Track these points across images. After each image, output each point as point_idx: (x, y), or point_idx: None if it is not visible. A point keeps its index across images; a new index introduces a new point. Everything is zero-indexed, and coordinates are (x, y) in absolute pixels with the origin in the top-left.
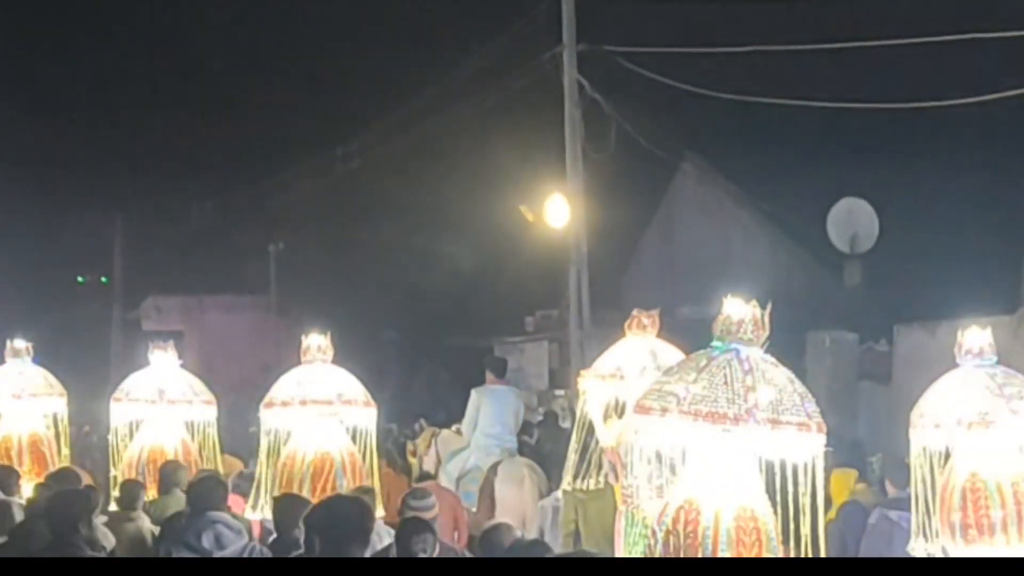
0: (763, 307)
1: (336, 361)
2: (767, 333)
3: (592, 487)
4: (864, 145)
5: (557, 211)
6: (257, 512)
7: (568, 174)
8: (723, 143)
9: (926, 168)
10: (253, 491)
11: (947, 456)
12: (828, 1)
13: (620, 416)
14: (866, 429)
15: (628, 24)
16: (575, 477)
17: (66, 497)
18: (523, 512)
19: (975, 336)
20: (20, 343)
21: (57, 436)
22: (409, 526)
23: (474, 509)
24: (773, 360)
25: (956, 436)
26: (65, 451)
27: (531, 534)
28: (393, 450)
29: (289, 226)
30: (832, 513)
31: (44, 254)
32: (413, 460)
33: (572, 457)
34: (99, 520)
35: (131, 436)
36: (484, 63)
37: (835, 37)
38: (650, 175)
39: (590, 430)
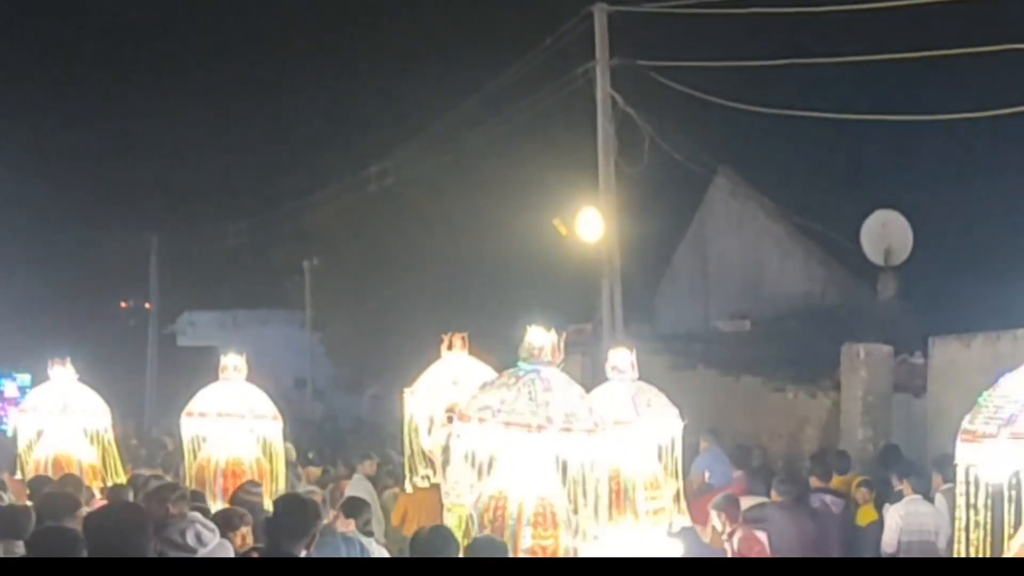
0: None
1: (369, 375)
2: (562, 356)
3: (420, 485)
4: (898, 157)
5: (590, 225)
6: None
7: (601, 188)
8: (756, 157)
9: (960, 179)
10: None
11: None
12: (860, 14)
13: (431, 425)
14: (900, 441)
15: (661, 38)
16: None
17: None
18: None
19: (621, 356)
20: None
21: None
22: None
23: None
24: (568, 379)
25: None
26: None
27: None
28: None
29: (324, 242)
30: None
31: (90, 280)
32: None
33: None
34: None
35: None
36: (517, 79)
37: (868, 50)
38: (683, 189)
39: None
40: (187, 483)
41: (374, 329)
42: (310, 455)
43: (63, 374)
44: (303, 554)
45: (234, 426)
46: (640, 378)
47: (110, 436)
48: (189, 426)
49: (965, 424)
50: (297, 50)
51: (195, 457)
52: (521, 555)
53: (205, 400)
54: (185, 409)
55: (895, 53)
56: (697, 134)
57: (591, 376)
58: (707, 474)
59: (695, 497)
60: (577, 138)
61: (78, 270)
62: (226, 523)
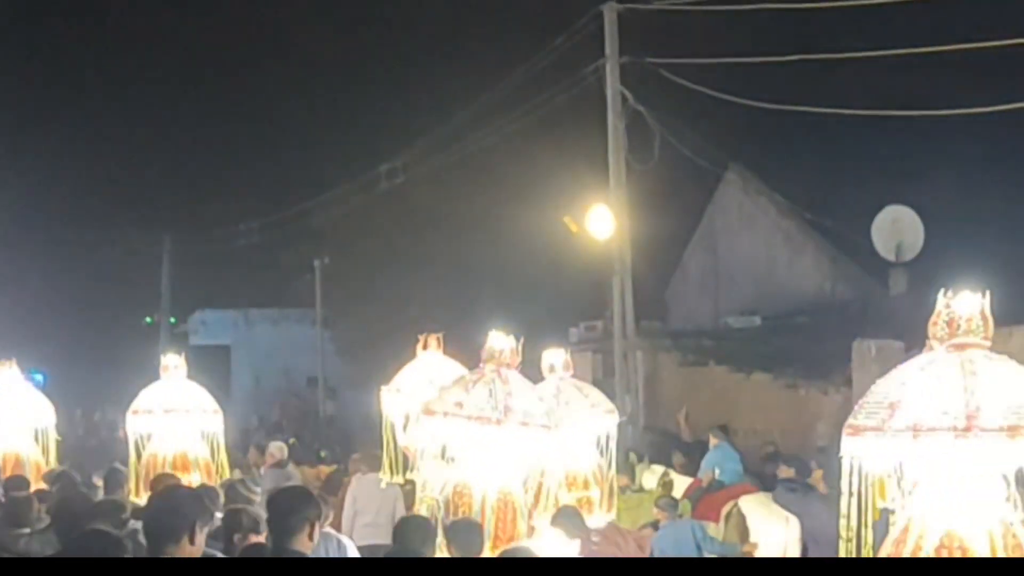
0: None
1: (381, 372)
2: (520, 359)
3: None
4: (909, 153)
5: (601, 222)
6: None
7: (612, 185)
8: (767, 153)
9: (971, 175)
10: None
11: None
12: (870, 9)
13: (407, 422)
14: None
15: (670, 35)
16: (391, 473)
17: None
18: None
19: (553, 355)
20: None
21: None
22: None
23: None
24: (525, 380)
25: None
26: None
27: None
28: None
29: (335, 241)
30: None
31: (102, 281)
32: None
33: (384, 455)
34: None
35: None
36: (527, 76)
37: (878, 46)
38: (694, 186)
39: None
40: (133, 480)
41: (385, 327)
42: (322, 454)
43: (7, 375)
44: (309, 545)
45: (179, 421)
46: (651, 375)
47: (53, 433)
48: (135, 424)
49: (850, 419)
50: (307, 50)
51: (140, 455)
52: (485, 543)
53: (149, 398)
54: (131, 408)
55: (906, 49)
56: (707, 131)
57: (602, 372)
58: (717, 471)
59: (705, 493)
60: (587, 136)
61: (90, 270)
62: (235, 524)
